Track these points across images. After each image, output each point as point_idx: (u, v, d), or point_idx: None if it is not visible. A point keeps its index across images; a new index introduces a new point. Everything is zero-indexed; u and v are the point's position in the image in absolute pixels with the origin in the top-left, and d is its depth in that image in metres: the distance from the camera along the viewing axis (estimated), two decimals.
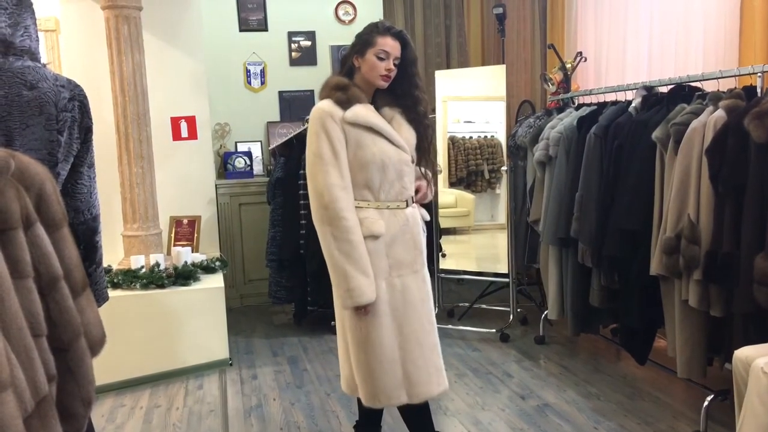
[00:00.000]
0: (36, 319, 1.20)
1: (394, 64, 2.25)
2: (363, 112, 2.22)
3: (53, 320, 1.28)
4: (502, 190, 4.51)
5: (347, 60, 2.31)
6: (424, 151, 2.38)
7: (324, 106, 2.21)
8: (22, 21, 1.63)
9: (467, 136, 4.82)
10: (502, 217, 4.69)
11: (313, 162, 2.19)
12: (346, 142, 2.19)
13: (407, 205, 2.31)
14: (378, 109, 2.29)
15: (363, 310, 2.21)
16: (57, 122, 1.62)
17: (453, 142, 4.78)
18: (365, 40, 2.26)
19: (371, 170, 2.21)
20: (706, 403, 2.85)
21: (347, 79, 2.27)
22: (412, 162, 2.34)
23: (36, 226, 1.27)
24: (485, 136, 4.63)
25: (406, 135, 2.31)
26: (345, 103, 2.20)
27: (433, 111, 4.35)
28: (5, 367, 0.97)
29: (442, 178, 4.60)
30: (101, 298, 1.81)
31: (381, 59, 2.23)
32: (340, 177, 2.17)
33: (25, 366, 1.10)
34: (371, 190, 2.23)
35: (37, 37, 1.66)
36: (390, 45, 2.24)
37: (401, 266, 2.29)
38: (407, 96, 2.31)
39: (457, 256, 4.86)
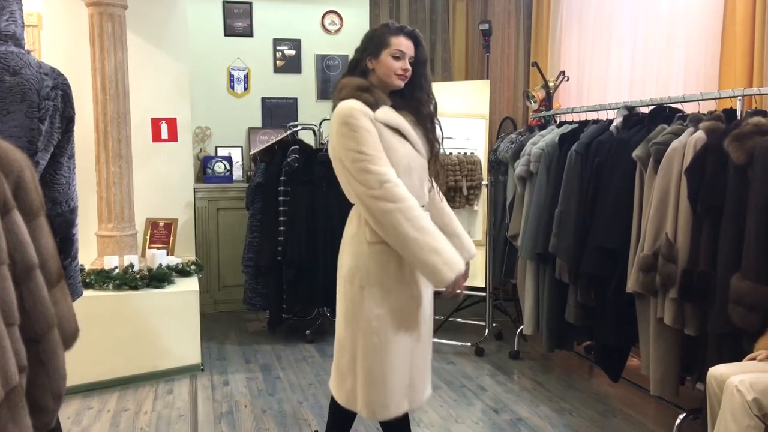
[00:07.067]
0: (9, 308, 1.16)
1: (410, 63, 2.21)
2: (392, 113, 2.17)
3: (26, 310, 1.24)
4: (480, 206, 4.52)
5: (359, 62, 2.23)
6: (433, 159, 2.31)
7: (355, 104, 2.12)
8: (8, 6, 1.60)
9: (447, 152, 4.83)
10: (479, 233, 4.68)
11: (355, 158, 2.07)
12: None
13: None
14: None
15: (456, 283, 2.10)
16: (39, 110, 1.59)
17: None
18: (379, 41, 2.20)
19: (398, 173, 2.13)
20: (678, 421, 2.87)
21: (367, 81, 2.20)
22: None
23: (13, 212, 1.24)
24: (465, 153, 4.63)
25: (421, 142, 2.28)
26: (373, 105, 2.14)
27: None
28: None
29: None
30: (76, 293, 1.77)
31: (396, 59, 2.18)
32: (389, 166, 2.09)
33: None
34: None
35: (22, 23, 1.64)
36: (404, 44, 2.19)
37: None
38: (413, 98, 2.25)
39: None
